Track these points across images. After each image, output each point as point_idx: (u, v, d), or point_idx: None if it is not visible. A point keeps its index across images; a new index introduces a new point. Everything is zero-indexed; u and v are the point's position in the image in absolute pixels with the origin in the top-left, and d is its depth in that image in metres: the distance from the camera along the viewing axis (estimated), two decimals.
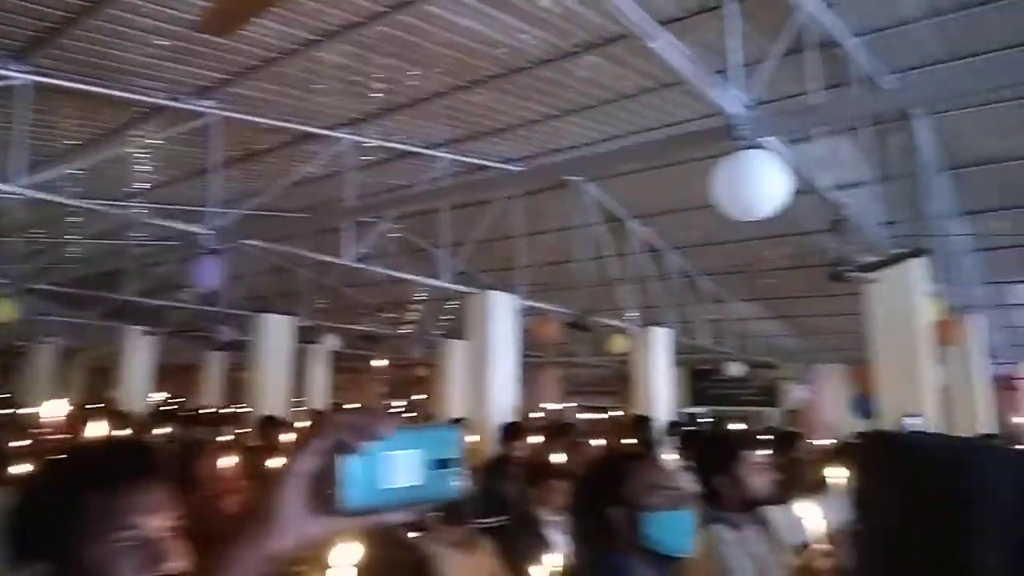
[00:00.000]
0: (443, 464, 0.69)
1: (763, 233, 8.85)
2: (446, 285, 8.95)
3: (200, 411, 11.45)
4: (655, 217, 9.30)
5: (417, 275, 9.32)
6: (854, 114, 4.91)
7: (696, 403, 16.51)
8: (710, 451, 2.68)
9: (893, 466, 0.97)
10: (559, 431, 6.62)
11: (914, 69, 5.67)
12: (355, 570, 1.50)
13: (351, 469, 0.66)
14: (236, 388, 13.48)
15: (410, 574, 2.17)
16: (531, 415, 12.85)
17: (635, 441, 6.83)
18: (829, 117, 4.45)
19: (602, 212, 8.89)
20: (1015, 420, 10.50)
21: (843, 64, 5.36)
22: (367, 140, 7.16)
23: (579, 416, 15.80)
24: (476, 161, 7.53)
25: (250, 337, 11.25)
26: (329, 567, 1.49)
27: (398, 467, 0.67)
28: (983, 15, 5.03)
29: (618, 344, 11.23)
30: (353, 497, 0.66)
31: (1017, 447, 5.71)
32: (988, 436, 6.36)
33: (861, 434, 1.32)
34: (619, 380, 13.10)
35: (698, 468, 2.64)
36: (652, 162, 7.27)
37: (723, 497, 2.45)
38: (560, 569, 2.31)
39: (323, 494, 0.67)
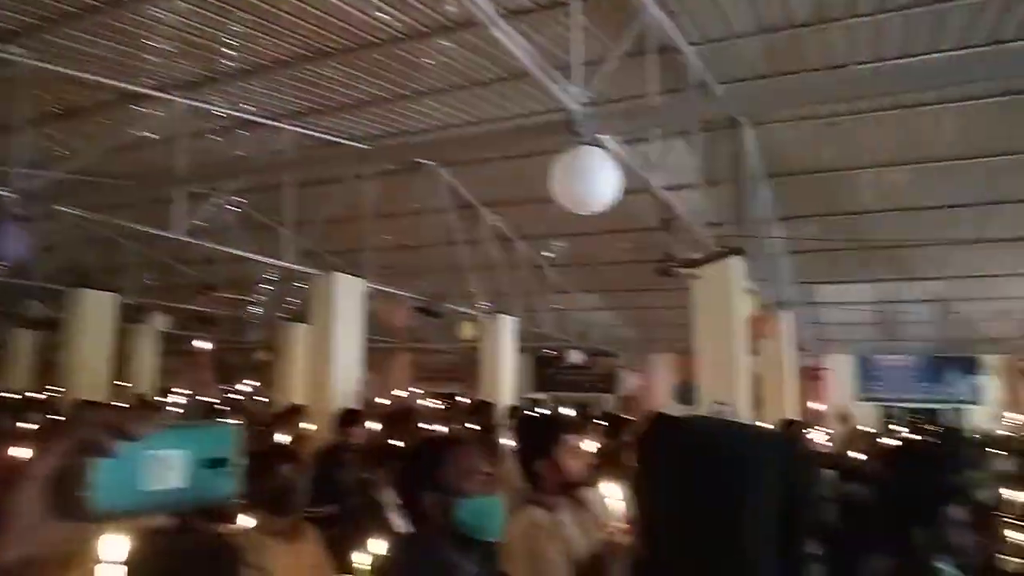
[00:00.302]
0: (214, 464, 0.66)
1: (604, 228, 9.27)
2: (289, 265, 8.58)
3: (3, 395, 10.24)
4: (506, 206, 9.44)
5: (258, 254, 8.86)
6: (686, 119, 5.23)
7: (540, 389, 17.08)
8: (532, 435, 2.74)
9: (670, 446, 1.03)
10: (399, 417, 6.57)
11: (742, 81, 6.13)
12: (124, 567, 1.40)
13: (104, 471, 0.62)
14: (49, 370, 12.21)
15: (209, 567, 2.06)
16: (378, 401, 12.67)
17: (477, 426, 6.92)
18: (663, 120, 4.71)
19: (455, 198, 8.90)
20: (814, 406, 11.73)
21: (681, 70, 5.70)
22: (205, 105, 6.70)
23: (427, 402, 15.79)
24: (324, 136, 7.27)
25: (65, 314, 10.20)
26: (96, 564, 1.37)
27: (160, 468, 0.64)
28: (804, 36, 5.52)
29: (467, 331, 11.34)
30: (104, 500, 0.62)
31: (791, 430, 6.37)
32: (791, 421, 7.04)
33: (645, 418, 1.39)
34: (468, 366, 13.23)
35: (520, 451, 2.70)
36: (503, 151, 7.37)
37: (542, 480, 2.52)
38: (384, 555, 2.29)
39: (69, 498, 0.62)
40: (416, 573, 1.85)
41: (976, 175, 7.54)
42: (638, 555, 1.10)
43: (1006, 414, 12.92)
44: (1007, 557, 2.77)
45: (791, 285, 9.70)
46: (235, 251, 8.35)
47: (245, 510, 2.75)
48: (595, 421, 7.26)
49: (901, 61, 5.63)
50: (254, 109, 6.97)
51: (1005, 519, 2.80)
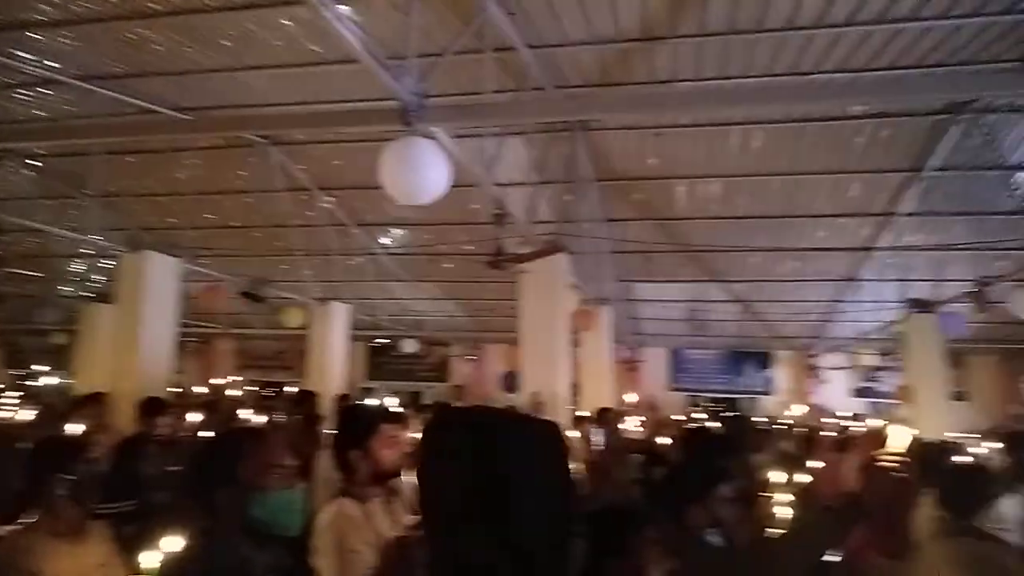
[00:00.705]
0: None
1: (440, 219, 9.34)
2: (94, 239, 7.82)
3: None
4: (342, 191, 9.20)
5: (59, 226, 7.99)
6: (521, 119, 5.38)
7: (373, 378, 16.88)
8: (349, 425, 2.70)
9: (449, 436, 1.09)
10: (209, 406, 6.22)
11: (577, 87, 6.40)
12: None
13: None
14: None
15: None
16: (194, 390, 11.90)
17: (301, 416, 6.72)
18: (498, 118, 4.81)
19: (288, 179, 8.53)
20: (630, 396, 12.55)
21: (520, 72, 5.86)
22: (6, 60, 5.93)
23: (249, 391, 15.04)
24: (141, 103, 6.69)
25: None
26: None
27: None
28: (632, 51, 5.86)
29: (294, 317, 10.93)
30: None
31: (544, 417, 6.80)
32: (606, 409, 7.49)
33: (431, 408, 1.45)
34: (297, 355, 12.78)
35: (336, 442, 2.66)
36: (337, 134, 7.18)
37: (357, 470, 2.50)
38: (175, 553, 2.17)
39: None
40: (208, 571, 1.79)
41: (775, 190, 8.42)
42: (423, 543, 1.14)
43: (791, 404, 14.59)
44: (772, 529, 3.15)
45: (612, 282, 10.29)
46: (30, 222, 7.48)
47: (26, 508, 2.52)
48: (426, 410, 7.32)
49: (717, 82, 6.15)
50: (62, 67, 6.27)
51: (770, 496, 3.19)
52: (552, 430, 1.11)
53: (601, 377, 9.90)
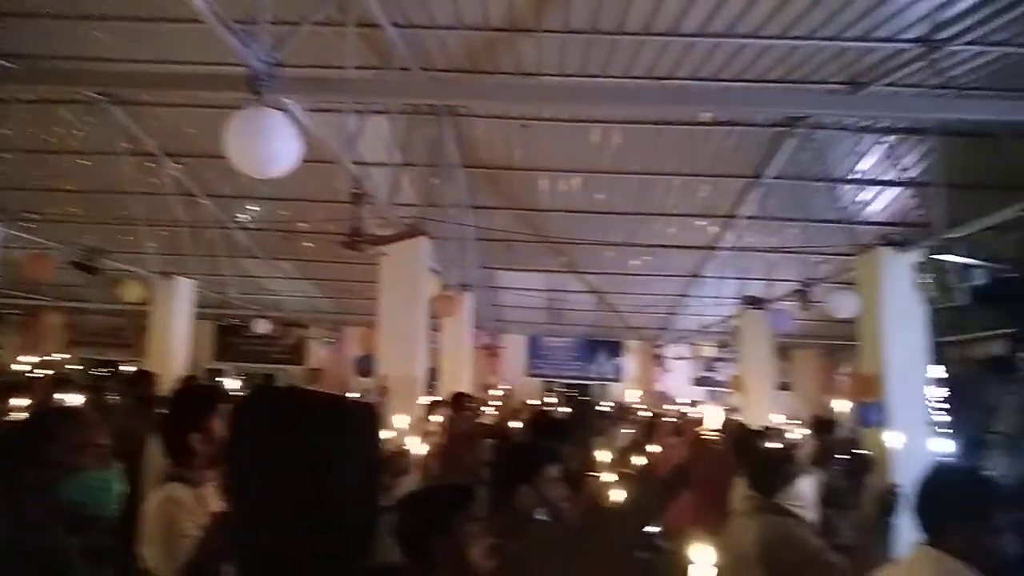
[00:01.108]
0: None
1: (298, 195, 9.01)
2: None
3: None
4: (192, 159, 8.62)
5: None
6: (383, 98, 5.28)
7: (222, 359, 16.07)
8: (184, 406, 2.57)
9: (259, 416, 1.06)
10: (22, 386, 5.68)
11: (444, 72, 6.37)
12: None
13: None
14: None
15: None
16: (13, 367, 10.80)
17: (134, 397, 6.27)
18: (358, 95, 4.70)
19: (131, 143, 7.88)
20: (489, 380, 12.80)
21: (386, 50, 5.74)
22: None
23: (79, 369, 13.85)
24: None
25: None
26: None
27: None
28: (499, 40, 5.91)
29: (132, 291, 10.16)
30: None
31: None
32: (461, 394, 7.56)
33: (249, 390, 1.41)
34: (137, 331, 11.88)
35: (170, 423, 2.52)
36: (185, 97, 6.71)
37: (194, 453, 2.39)
38: None
39: None
40: (17, 556, 1.65)
41: (631, 188, 8.82)
42: (232, 523, 1.12)
43: (638, 390, 15.44)
44: (606, 506, 3.33)
45: (475, 269, 10.39)
46: None
47: None
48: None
49: (578, 79, 6.33)
50: None
51: (604, 476, 3.37)
52: (364, 412, 1.12)
53: (461, 362, 9.99)
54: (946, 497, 2.09)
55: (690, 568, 1.71)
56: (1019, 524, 2.07)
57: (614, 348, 16.60)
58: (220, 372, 14.55)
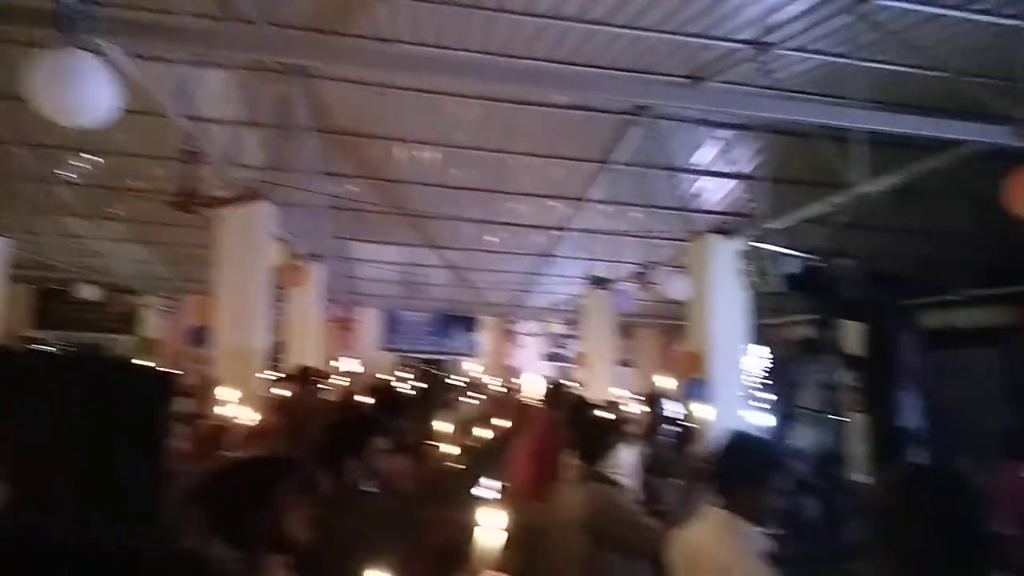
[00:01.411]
0: None
1: (127, 150, 8.26)
2: None
3: None
4: (5, 102, 7.64)
5: None
6: (215, 50, 4.93)
7: (43, 327, 14.59)
8: None
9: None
10: None
11: (294, 28, 6.05)
12: None
13: None
14: None
15: None
16: None
17: None
18: (188, 45, 4.37)
19: None
20: (339, 355, 12.51)
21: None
22: None
23: None
24: None
25: None
26: None
27: None
28: (352, 1, 5.70)
29: None
30: None
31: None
32: (306, 368, 7.34)
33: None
34: None
35: None
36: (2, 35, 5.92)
37: None
38: None
39: None
40: None
41: (488, 165, 8.87)
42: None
43: (490, 365, 15.73)
44: (442, 474, 3.38)
45: (327, 239, 10.07)
46: None
47: None
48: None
49: (435, 50, 6.25)
50: None
51: (441, 446, 3.41)
52: (155, 379, 1.06)
53: (309, 335, 9.69)
54: (735, 463, 2.33)
55: (475, 531, 1.75)
56: (805, 487, 2.34)
57: (469, 323, 16.78)
58: (39, 340, 13.20)
